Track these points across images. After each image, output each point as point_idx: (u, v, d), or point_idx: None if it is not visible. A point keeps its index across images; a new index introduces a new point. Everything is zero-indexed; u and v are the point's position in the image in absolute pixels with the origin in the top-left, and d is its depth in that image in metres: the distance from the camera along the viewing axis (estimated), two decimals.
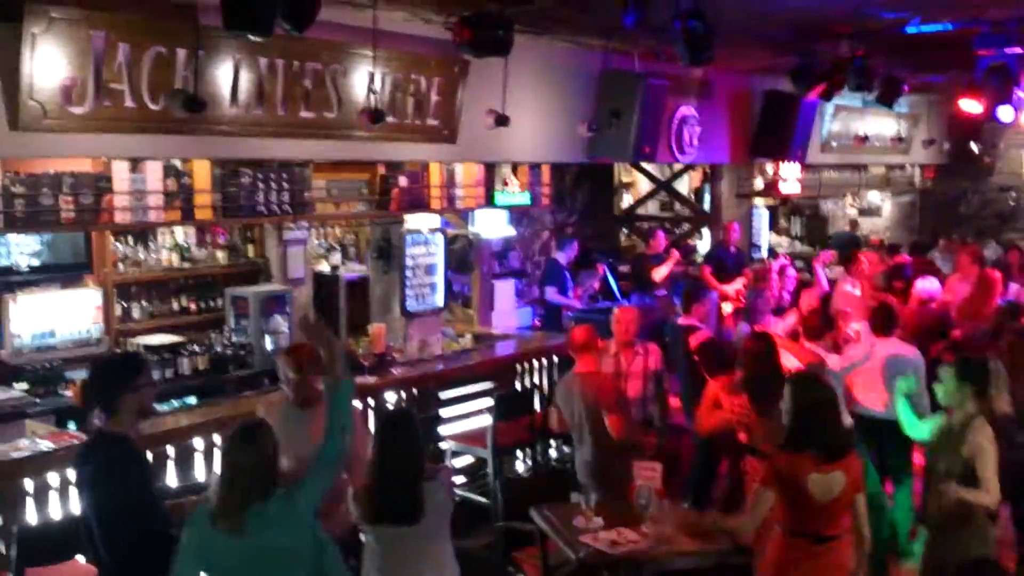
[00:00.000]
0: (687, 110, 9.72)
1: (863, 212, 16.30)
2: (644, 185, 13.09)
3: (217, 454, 5.31)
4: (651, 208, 13.65)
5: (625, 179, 13.46)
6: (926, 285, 8.21)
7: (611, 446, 5.69)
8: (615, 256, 12.36)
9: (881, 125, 12.13)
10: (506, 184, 8.21)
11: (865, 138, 11.00)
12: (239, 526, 3.36)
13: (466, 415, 7.34)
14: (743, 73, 10.34)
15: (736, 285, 9.56)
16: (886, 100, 9.04)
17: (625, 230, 13.37)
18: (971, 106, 8.96)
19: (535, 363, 7.92)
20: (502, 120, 6.73)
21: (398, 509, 3.88)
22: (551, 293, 9.36)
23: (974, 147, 13.67)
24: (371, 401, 6.59)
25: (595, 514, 4.98)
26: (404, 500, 3.88)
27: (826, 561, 4.13)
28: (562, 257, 9.54)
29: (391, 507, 3.89)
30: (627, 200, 13.55)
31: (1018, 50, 7.04)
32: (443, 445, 7.00)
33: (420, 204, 7.64)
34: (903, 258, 10.75)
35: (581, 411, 5.81)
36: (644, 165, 12.02)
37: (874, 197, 15.77)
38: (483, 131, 7.20)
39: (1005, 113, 8.34)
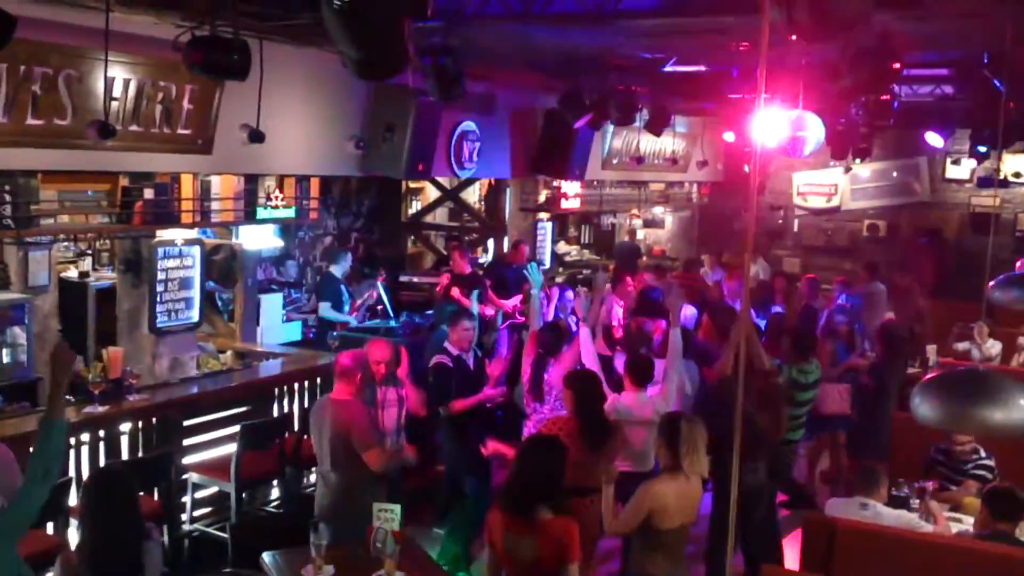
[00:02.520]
0: (467, 125, 9.64)
1: (647, 224, 16.96)
2: (433, 192, 13.00)
3: None
4: (439, 216, 13.59)
5: (413, 185, 13.31)
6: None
7: (356, 480, 5.49)
8: (399, 265, 12.21)
9: (659, 144, 12.55)
10: (269, 198, 7.84)
11: (640, 158, 11.33)
12: None
13: (215, 441, 6.97)
14: (526, 90, 10.36)
15: (514, 301, 9.62)
16: (654, 129, 9.32)
17: (412, 237, 13.26)
18: (732, 137, 9.42)
19: (295, 386, 7.58)
20: (256, 136, 6.37)
21: (118, 574, 3.69)
22: (325, 309, 9.06)
23: (746, 168, 14.43)
24: (101, 433, 6.12)
25: (328, 560, 4.80)
26: (124, 564, 3.68)
27: None
28: (337, 270, 9.23)
29: (110, 573, 3.67)
30: (416, 206, 13.42)
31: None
32: (185, 476, 6.62)
33: (169, 218, 7.18)
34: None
35: (329, 440, 5.52)
36: None
37: (658, 210, 16.41)
38: (243, 142, 6.81)
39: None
